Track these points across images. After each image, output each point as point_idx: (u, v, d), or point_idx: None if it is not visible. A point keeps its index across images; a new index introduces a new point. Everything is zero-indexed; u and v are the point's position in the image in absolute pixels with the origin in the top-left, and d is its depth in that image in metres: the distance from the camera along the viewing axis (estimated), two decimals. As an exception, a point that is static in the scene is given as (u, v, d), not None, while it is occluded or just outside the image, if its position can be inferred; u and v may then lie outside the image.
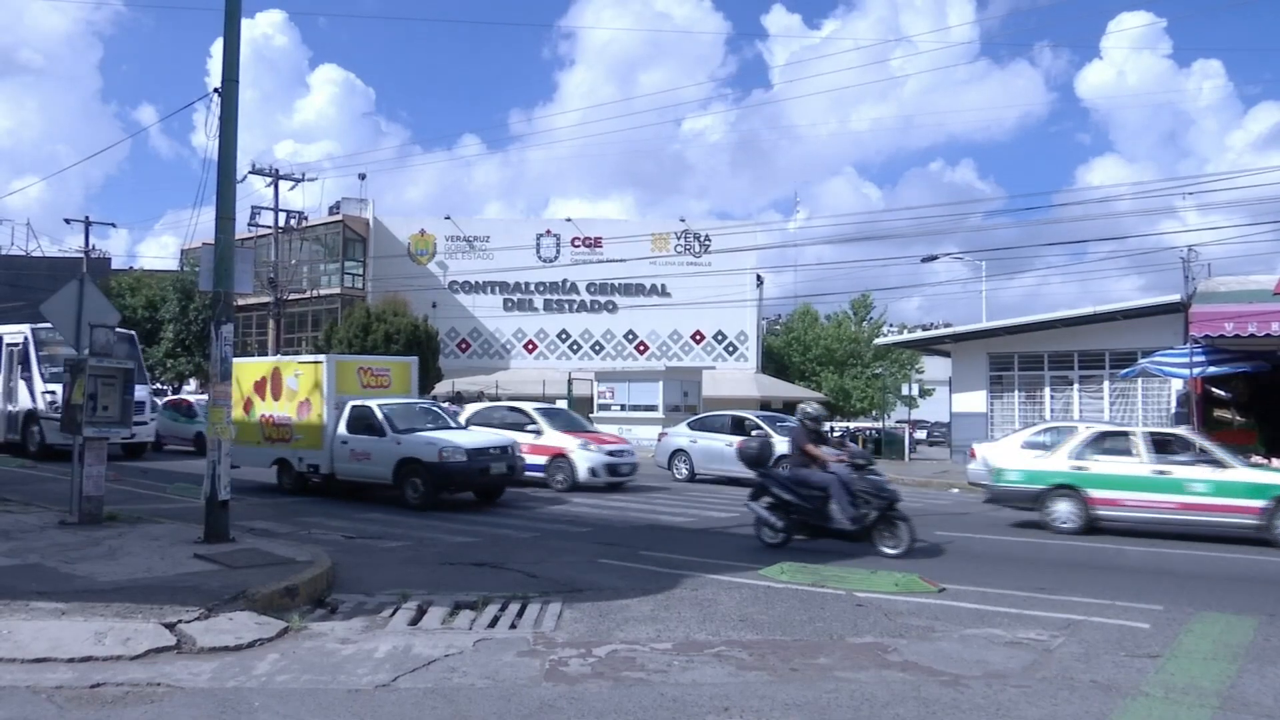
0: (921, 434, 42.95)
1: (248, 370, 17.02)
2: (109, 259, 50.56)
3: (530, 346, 42.85)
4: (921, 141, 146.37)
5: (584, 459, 17.67)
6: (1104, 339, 22.70)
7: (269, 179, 34.90)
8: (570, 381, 35.13)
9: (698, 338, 43.15)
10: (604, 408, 30.89)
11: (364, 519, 12.98)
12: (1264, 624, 7.29)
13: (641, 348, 42.59)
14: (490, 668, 5.82)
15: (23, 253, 48.48)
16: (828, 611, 7.54)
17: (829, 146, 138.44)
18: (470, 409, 20.64)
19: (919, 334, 37.13)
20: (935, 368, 43.19)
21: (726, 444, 19.33)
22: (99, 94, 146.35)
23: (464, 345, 42.53)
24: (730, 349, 43.40)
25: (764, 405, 35.14)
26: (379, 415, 15.01)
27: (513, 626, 6.90)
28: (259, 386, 16.65)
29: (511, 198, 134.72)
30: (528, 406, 19.82)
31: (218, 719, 4.86)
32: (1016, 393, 24.29)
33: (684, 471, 20.66)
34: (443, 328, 39.54)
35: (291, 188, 35.52)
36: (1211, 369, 18.56)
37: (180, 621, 6.36)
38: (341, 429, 15.29)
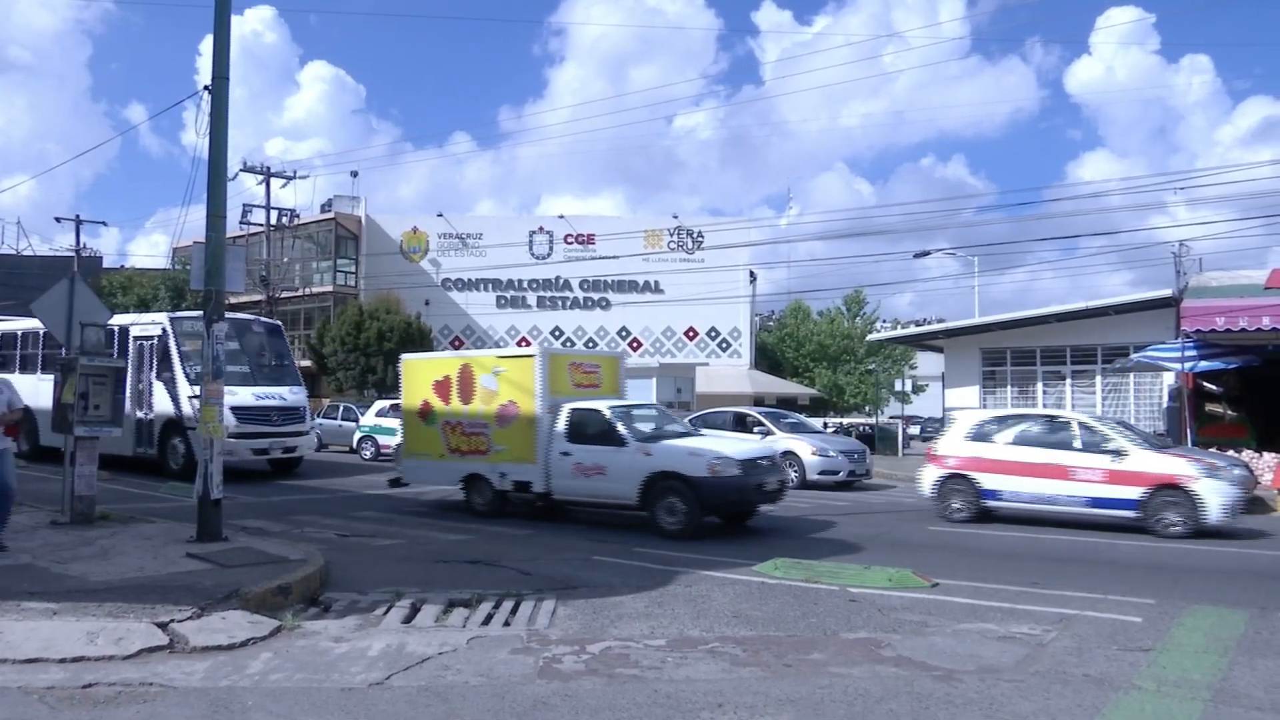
0: (915, 429, 43.00)
1: (424, 368, 14.54)
2: (100, 258, 50.38)
3: (524, 344, 42.81)
4: (913, 137, 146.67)
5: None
6: (1096, 334, 22.77)
7: (260, 177, 34.81)
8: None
9: (691, 334, 43.17)
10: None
11: (357, 517, 12.95)
12: (1255, 617, 7.33)
13: (635, 345, 42.59)
14: (484, 665, 5.81)
15: (13, 251, 48.28)
16: (821, 607, 7.55)
17: (820, 142, 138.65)
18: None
19: (912, 330, 37.24)
20: (928, 363, 43.25)
21: None
22: (89, 92, 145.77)
23: (457, 343, 42.47)
24: (723, 345, 43.44)
25: (757, 401, 35.17)
26: (616, 421, 12.29)
27: (506, 624, 6.89)
28: (440, 387, 13.89)
29: (503, 195, 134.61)
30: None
31: (211, 718, 4.84)
32: (1009, 388, 24.36)
33: None
34: (436, 325, 39.51)
35: (283, 185, 35.44)
36: (1203, 364, 18.63)
37: (173, 621, 6.34)
38: (561, 438, 12.56)
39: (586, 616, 7.14)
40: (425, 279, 42.46)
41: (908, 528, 12.81)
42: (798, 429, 19.96)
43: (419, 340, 34.93)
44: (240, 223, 34.68)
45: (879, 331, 43.88)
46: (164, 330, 17.95)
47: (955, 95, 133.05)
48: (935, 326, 32.42)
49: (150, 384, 18.02)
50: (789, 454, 18.31)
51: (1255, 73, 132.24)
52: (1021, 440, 13.42)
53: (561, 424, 12.59)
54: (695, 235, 43.43)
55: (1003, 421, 14.06)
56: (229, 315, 20.63)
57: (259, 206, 35.06)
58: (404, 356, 15.28)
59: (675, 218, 44.28)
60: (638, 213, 62.54)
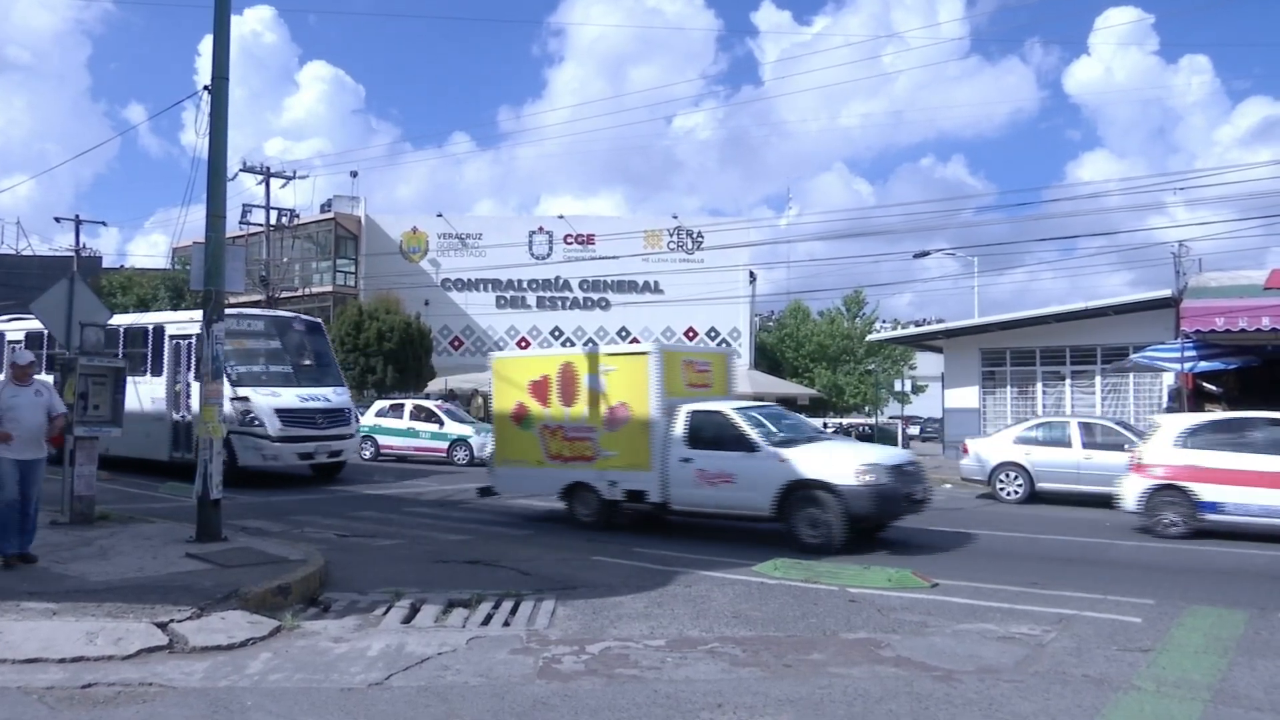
0: (914, 429, 43.04)
1: (518, 367, 13.47)
2: (100, 258, 50.35)
3: (523, 344, 42.77)
4: (912, 137, 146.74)
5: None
6: (1096, 334, 22.77)
7: (260, 177, 34.78)
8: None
9: (691, 335, 43.15)
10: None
11: (357, 517, 12.95)
12: (1254, 618, 7.33)
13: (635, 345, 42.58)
14: (483, 666, 5.81)
15: (13, 251, 48.27)
16: (821, 607, 7.55)
17: (820, 142, 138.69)
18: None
19: (911, 330, 37.24)
20: (928, 363, 43.25)
21: None
22: (88, 92, 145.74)
23: (457, 343, 42.46)
24: (723, 346, 43.43)
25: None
26: (745, 423, 11.32)
27: (506, 624, 6.89)
28: (538, 388, 12.78)
29: (502, 195, 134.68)
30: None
31: (210, 718, 4.84)
32: (1009, 388, 24.36)
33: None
34: (435, 325, 39.49)
35: (283, 185, 35.41)
36: (1202, 364, 18.65)
37: (172, 621, 6.34)
38: (679, 443, 11.53)
39: (586, 617, 7.14)
40: (425, 279, 42.45)
41: (907, 528, 12.80)
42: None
43: (419, 340, 34.92)
44: (240, 223, 34.65)
45: (878, 332, 43.88)
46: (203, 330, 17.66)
47: (955, 96, 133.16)
48: (935, 327, 32.41)
49: (188, 385, 16.96)
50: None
51: (1255, 73, 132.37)
52: (1245, 446, 11.94)
53: (680, 427, 11.55)
54: (695, 235, 43.44)
55: (1222, 425, 12.70)
56: (269, 313, 19.59)
57: (259, 206, 35.03)
58: (494, 355, 14.20)
59: (675, 218, 44.28)
60: (637, 213, 62.55)
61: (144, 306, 39.80)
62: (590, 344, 42.39)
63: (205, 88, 9.76)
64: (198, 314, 16.89)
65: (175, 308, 37.78)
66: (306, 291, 41.77)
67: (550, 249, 43.21)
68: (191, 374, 16.84)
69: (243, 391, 16.41)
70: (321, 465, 17.97)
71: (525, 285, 43.10)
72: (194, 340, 16.81)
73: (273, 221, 35.44)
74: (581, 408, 12.33)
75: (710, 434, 11.44)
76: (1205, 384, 19.25)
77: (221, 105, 9.70)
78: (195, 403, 15.87)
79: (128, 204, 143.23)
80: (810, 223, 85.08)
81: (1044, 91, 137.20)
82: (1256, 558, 10.55)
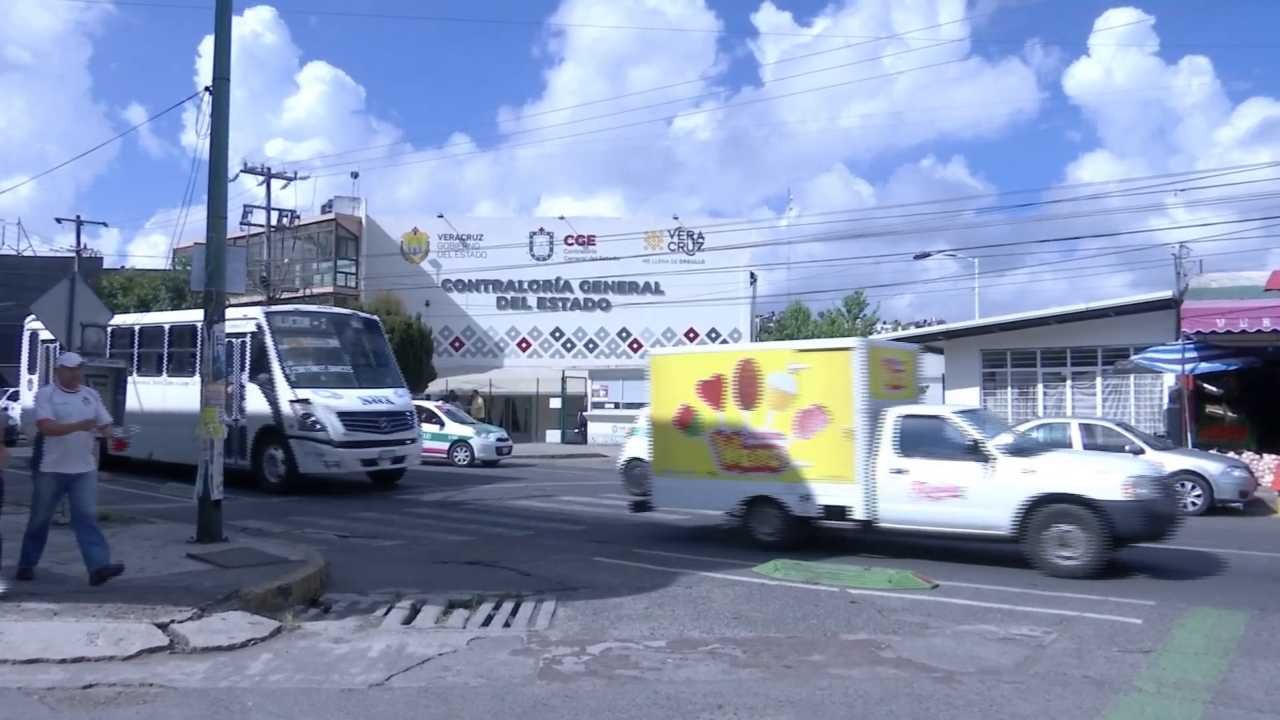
0: (915, 431, 42.94)
1: (683, 365, 12.01)
2: (100, 258, 50.40)
3: (524, 345, 42.80)
4: (912, 138, 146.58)
5: None
6: (1096, 335, 22.76)
7: (261, 178, 34.80)
8: (564, 380, 35.15)
9: (691, 336, 43.13)
10: (598, 405, 30.88)
11: (357, 518, 12.95)
12: (1255, 619, 7.32)
13: (635, 346, 42.57)
14: (484, 666, 5.82)
15: (14, 252, 48.32)
16: (821, 609, 7.55)
17: (820, 143, 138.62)
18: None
19: (912, 331, 37.20)
20: (928, 365, 43.20)
21: None
22: (88, 93, 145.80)
23: (457, 344, 42.46)
24: (723, 345, 43.43)
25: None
26: (973, 429, 10.04)
27: (506, 625, 6.90)
28: (709, 389, 11.39)
29: (503, 196, 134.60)
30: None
31: (210, 719, 4.85)
32: (1009, 389, 24.35)
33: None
34: (436, 326, 39.47)
35: (284, 186, 35.41)
36: (1203, 365, 18.63)
37: (173, 621, 6.34)
38: (890, 452, 10.20)
39: (587, 618, 7.14)
40: (425, 280, 42.44)
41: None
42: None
43: (419, 341, 34.89)
44: (241, 223, 34.66)
45: (879, 333, 43.85)
46: (259, 327, 16.09)
47: (955, 97, 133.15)
48: (935, 328, 32.38)
49: (242, 387, 16.02)
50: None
51: (1255, 74, 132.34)
52: None
53: (889, 434, 10.23)
54: (696, 236, 43.43)
55: None
56: (325, 310, 18.85)
57: (259, 207, 35.05)
58: (652, 352, 12.77)
59: (676, 219, 44.27)
60: (637, 214, 62.52)
61: (145, 307, 39.81)
62: (591, 345, 42.47)
63: (206, 88, 9.78)
64: (253, 311, 16.56)
65: (177, 308, 37.80)
66: (307, 292, 41.77)
67: (551, 250, 43.21)
68: (246, 375, 16.08)
69: (302, 393, 15.48)
70: (382, 472, 16.78)
71: (526, 286, 43.09)
72: (248, 338, 16.13)
73: (273, 222, 35.47)
74: (765, 410, 10.97)
75: (929, 441, 10.16)
76: (1206, 385, 19.23)
77: (222, 106, 9.71)
78: (251, 406, 16.00)
79: (128, 205, 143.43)
80: (810, 224, 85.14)
81: (1044, 93, 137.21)
82: (1257, 559, 10.55)
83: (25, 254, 47.98)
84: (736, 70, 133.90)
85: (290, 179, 35.46)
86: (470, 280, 42.77)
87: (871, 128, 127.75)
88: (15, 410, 30.58)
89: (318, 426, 15.37)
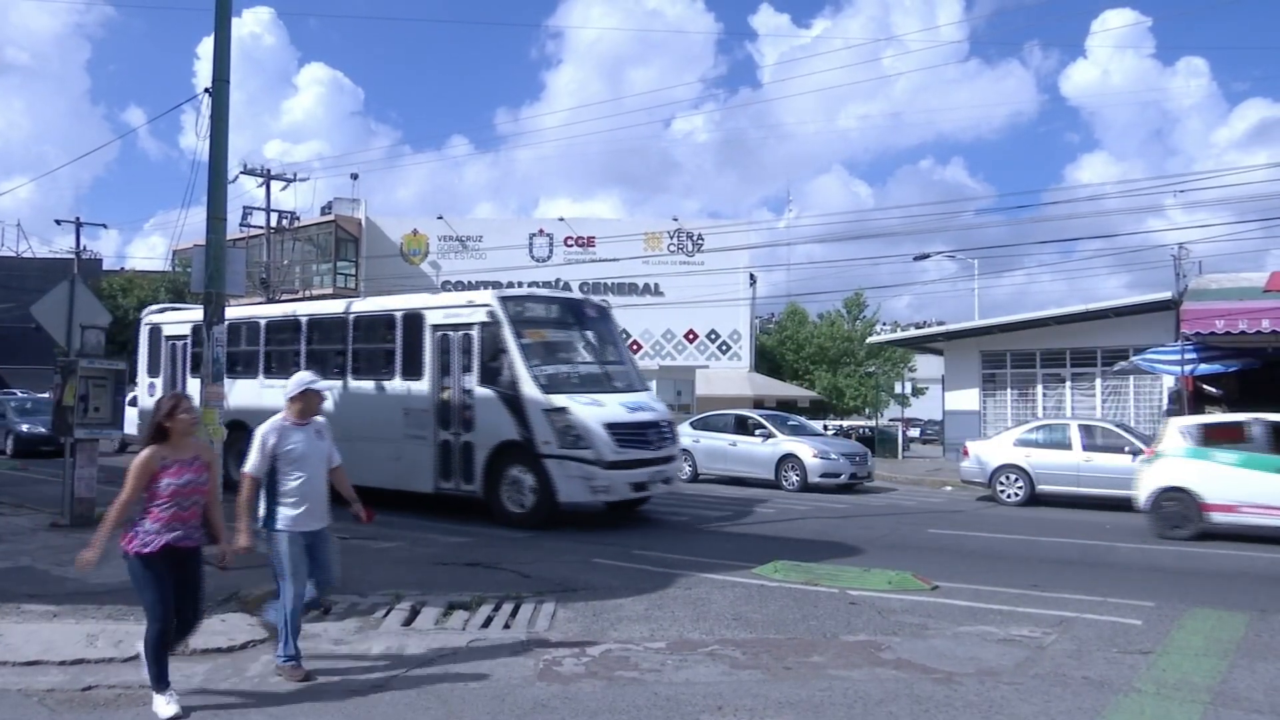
0: (915, 432, 42.96)
1: None
2: (100, 260, 50.43)
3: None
4: (911, 140, 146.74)
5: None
6: (1096, 336, 22.77)
7: (260, 179, 34.83)
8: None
9: (691, 337, 43.16)
10: (598, 406, 30.75)
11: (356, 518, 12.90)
12: (1255, 620, 7.33)
13: (635, 347, 42.52)
14: (484, 668, 5.81)
15: (14, 254, 48.31)
16: (821, 610, 7.55)
17: (818, 145, 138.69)
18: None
19: (912, 332, 37.21)
20: (928, 366, 43.24)
21: (730, 443, 19.50)
22: (87, 95, 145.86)
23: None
24: (724, 348, 43.42)
25: (757, 404, 35.16)
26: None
27: (506, 627, 6.89)
28: None
29: (501, 198, 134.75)
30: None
31: (210, 721, 4.84)
32: (1009, 390, 24.35)
33: (686, 471, 20.52)
34: (436, 328, 39.43)
35: (283, 188, 35.49)
36: (1202, 366, 18.64)
37: (173, 623, 6.33)
38: None
39: (586, 619, 7.14)
40: (425, 281, 42.43)
41: (908, 530, 12.81)
42: (799, 431, 19.95)
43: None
44: (240, 225, 34.70)
45: (879, 334, 43.87)
46: (493, 315, 12.58)
47: (953, 98, 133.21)
48: (935, 329, 32.40)
49: (466, 392, 12.75)
50: (791, 457, 18.34)
51: (1253, 75, 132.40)
52: None
53: None
54: (695, 238, 43.46)
55: None
56: (560, 295, 15.06)
57: (259, 209, 35.08)
58: None
59: (675, 220, 44.31)
60: (636, 215, 62.64)
61: (144, 308, 39.76)
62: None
63: (206, 90, 9.79)
64: (483, 296, 13.19)
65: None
66: (307, 294, 41.78)
67: (550, 251, 43.25)
68: (472, 377, 12.69)
69: (559, 400, 12.11)
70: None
71: (526, 287, 43.12)
72: (474, 331, 12.74)
73: (273, 224, 35.49)
74: None
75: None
76: (1206, 386, 19.23)
77: (222, 108, 9.72)
78: (482, 416, 12.50)
79: (127, 206, 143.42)
80: (809, 225, 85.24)
81: (1043, 94, 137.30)
82: (1257, 560, 10.55)
83: (25, 256, 47.99)
84: (735, 72, 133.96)
85: (290, 181, 35.49)
86: (470, 281, 42.72)
87: (870, 129, 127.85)
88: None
89: (581, 442, 11.90)
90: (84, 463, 10.42)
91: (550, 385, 12.27)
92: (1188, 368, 18.41)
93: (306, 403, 5.78)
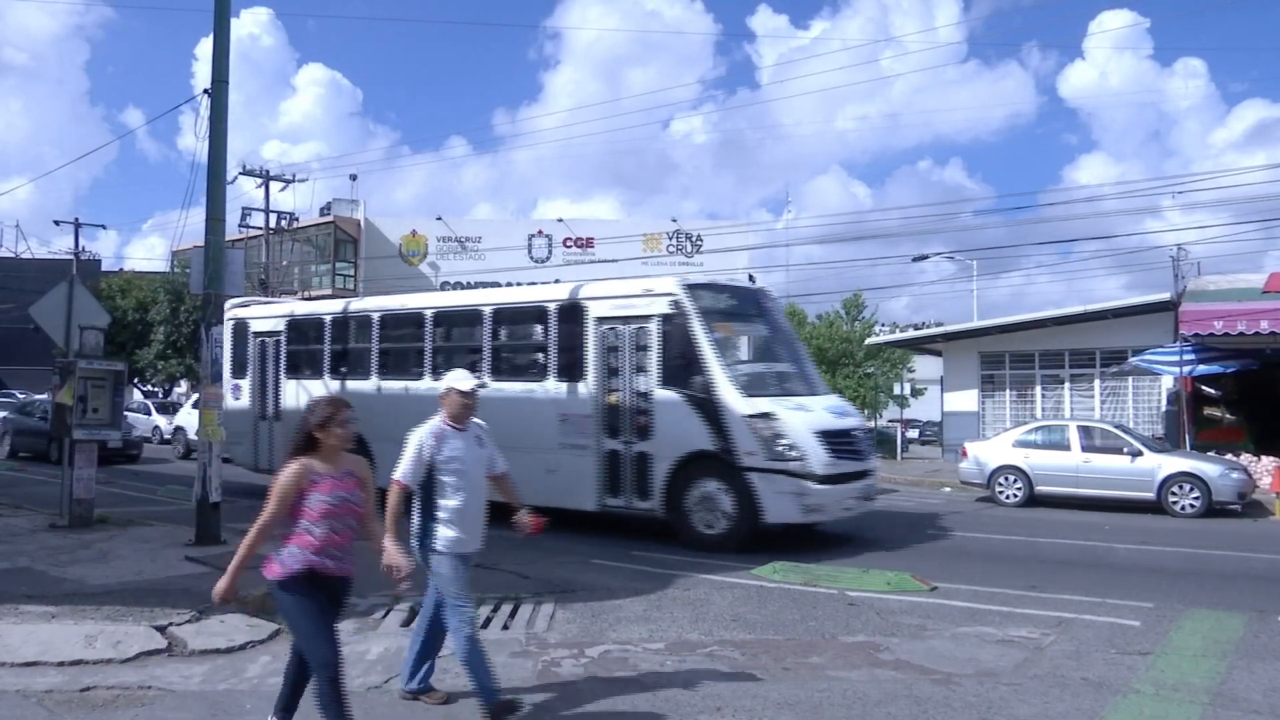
0: (913, 433, 43.00)
1: None
2: (99, 260, 50.43)
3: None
4: (909, 141, 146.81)
5: None
6: (1094, 338, 22.78)
7: (259, 180, 34.83)
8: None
9: (690, 338, 43.13)
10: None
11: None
12: (1253, 620, 7.33)
13: (634, 348, 42.56)
14: (483, 669, 5.80)
15: (12, 254, 48.30)
16: (820, 610, 7.55)
17: (817, 145, 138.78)
18: None
19: (910, 333, 37.20)
20: (926, 367, 43.21)
21: None
22: (86, 96, 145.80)
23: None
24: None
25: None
26: None
27: (505, 627, 6.89)
28: None
29: (500, 199, 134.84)
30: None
31: (209, 722, 4.84)
32: (1008, 391, 24.35)
33: None
34: (435, 328, 39.41)
35: (282, 189, 35.51)
36: (1201, 367, 18.66)
37: (171, 624, 6.34)
38: None
39: (585, 620, 7.14)
40: (424, 282, 42.41)
41: (907, 531, 12.80)
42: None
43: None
44: (239, 226, 34.69)
45: (877, 335, 43.86)
46: (678, 306, 11.00)
47: (952, 99, 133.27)
48: (934, 330, 32.38)
49: (642, 395, 11.14)
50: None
51: (1250, 76, 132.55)
52: None
53: None
54: (694, 239, 43.48)
55: None
56: (734, 283, 12.94)
57: (258, 209, 35.09)
58: None
59: (674, 221, 44.34)
60: (634, 216, 62.58)
61: (143, 309, 39.80)
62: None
63: (205, 91, 9.79)
64: (663, 284, 11.60)
65: (174, 311, 37.34)
66: (305, 294, 41.78)
67: (549, 252, 43.26)
68: (649, 378, 11.07)
69: (762, 404, 10.58)
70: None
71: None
72: (653, 324, 11.09)
73: (272, 224, 35.48)
74: None
75: None
76: (1204, 387, 19.26)
77: (221, 108, 9.73)
78: (662, 423, 10.92)
79: (125, 207, 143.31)
80: (808, 226, 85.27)
81: (1041, 96, 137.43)
82: (1256, 561, 10.56)
83: (23, 256, 47.96)
84: (733, 73, 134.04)
85: (288, 181, 35.51)
86: (469, 282, 42.74)
87: (869, 130, 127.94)
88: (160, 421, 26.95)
89: (793, 453, 10.35)
90: (82, 463, 10.40)
91: (750, 387, 10.83)
92: (1186, 369, 18.43)
93: (455, 406, 5.04)
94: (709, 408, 10.62)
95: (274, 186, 35.12)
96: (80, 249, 42.28)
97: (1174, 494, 15.01)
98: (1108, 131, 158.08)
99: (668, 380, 10.98)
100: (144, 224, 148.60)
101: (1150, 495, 15.10)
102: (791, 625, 7.09)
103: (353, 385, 13.48)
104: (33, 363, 39.64)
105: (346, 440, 4.27)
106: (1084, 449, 16.07)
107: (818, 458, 10.38)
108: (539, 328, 12.38)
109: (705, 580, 8.72)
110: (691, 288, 11.44)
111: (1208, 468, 15.24)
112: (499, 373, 12.35)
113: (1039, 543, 11.91)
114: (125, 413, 26.33)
